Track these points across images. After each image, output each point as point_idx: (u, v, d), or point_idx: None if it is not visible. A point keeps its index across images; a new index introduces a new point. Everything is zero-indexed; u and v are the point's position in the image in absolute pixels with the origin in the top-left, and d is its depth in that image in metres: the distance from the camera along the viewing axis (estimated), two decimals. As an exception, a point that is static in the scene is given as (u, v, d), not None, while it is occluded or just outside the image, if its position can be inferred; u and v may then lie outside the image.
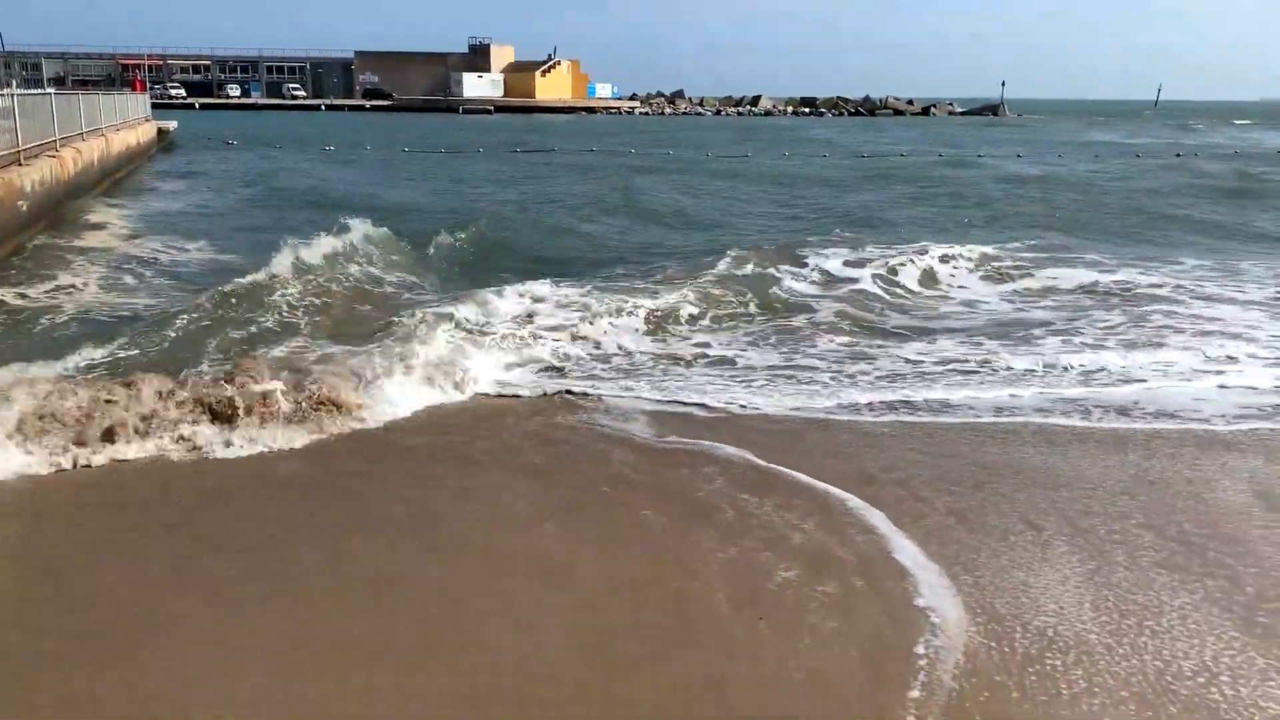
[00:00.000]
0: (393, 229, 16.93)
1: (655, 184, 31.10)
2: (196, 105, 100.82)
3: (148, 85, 70.60)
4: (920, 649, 5.17)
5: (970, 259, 16.70)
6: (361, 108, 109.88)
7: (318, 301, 12.05)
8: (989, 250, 17.51)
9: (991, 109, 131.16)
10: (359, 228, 15.73)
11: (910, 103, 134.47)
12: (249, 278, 12.39)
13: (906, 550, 6.26)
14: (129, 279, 14.38)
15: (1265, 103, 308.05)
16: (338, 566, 5.94)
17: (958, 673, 4.98)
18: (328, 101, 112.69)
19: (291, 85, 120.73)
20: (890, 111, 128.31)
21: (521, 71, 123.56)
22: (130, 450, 7.38)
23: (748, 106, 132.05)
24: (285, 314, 11.41)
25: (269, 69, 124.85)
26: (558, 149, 50.56)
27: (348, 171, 35.58)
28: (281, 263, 12.93)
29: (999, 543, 6.40)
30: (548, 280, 13.72)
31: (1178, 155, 49.36)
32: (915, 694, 4.82)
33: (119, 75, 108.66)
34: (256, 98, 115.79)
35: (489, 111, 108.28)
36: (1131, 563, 6.19)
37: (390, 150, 47.68)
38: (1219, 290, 14.79)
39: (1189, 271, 16.47)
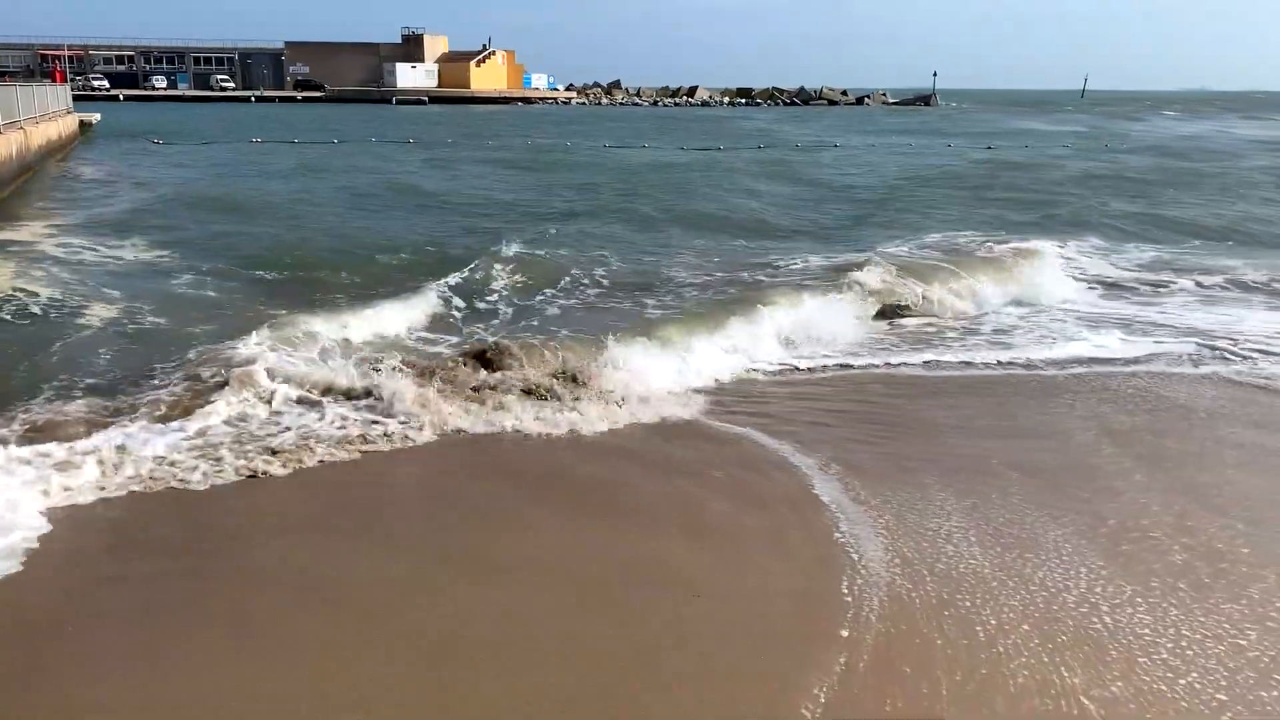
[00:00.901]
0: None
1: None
2: (120, 97, 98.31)
3: (68, 77, 68.61)
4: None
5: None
6: (293, 99, 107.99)
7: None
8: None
9: (924, 99, 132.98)
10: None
11: (845, 93, 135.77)
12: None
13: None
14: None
15: (1186, 93, 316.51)
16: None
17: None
18: (258, 93, 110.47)
19: (220, 76, 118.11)
20: (825, 102, 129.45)
21: (456, 62, 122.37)
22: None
23: (685, 97, 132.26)
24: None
25: (196, 60, 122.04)
26: (493, 139, 50.32)
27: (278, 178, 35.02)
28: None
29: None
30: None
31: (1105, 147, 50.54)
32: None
33: (38, 66, 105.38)
34: (184, 89, 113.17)
35: (423, 102, 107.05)
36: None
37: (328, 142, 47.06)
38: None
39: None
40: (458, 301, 13.33)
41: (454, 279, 14.44)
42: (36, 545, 6.11)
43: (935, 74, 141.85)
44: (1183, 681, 4.93)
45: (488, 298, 13.76)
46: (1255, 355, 11.06)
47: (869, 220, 22.06)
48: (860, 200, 25.79)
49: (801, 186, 29.03)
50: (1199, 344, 11.54)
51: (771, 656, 5.10)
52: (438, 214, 22.03)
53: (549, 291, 14.13)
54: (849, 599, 5.67)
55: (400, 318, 11.79)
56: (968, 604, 5.64)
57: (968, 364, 10.82)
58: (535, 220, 21.00)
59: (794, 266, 15.84)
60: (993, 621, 5.44)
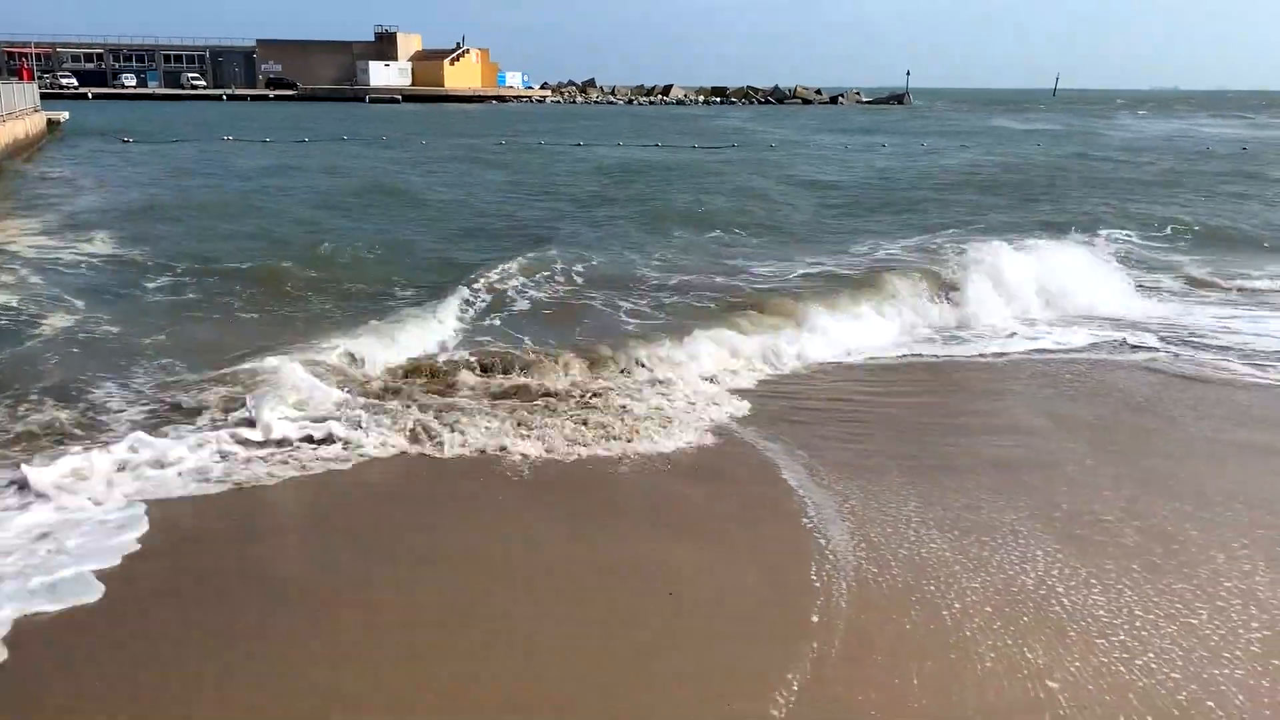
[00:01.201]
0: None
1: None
2: (89, 95, 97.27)
3: (36, 75, 67.72)
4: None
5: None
6: (265, 98, 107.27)
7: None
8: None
9: (897, 98, 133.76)
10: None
11: (819, 92, 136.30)
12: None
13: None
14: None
15: (1156, 91, 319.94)
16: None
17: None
18: (229, 91, 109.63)
19: (191, 75, 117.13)
20: (799, 100, 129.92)
21: (430, 60, 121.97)
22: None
23: (659, 96, 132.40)
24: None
25: (167, 58, 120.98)
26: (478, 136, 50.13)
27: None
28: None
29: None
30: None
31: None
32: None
33: (5, 64, 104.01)
34: (154, 87, 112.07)
35: (397, 101, 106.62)
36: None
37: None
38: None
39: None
40: (464, 314, 12.45)
41: (468, 289, 13.52)
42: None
43: (909, 73, 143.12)
44: (1139, 661, 5.03)
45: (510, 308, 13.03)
46: (1193, 347, 11.31)
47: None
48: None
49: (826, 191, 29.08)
50: (1159, 337, 11.77)
51: (745, 644, 5.17)
52: (420, 215, 21.90)
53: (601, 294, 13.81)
54: (818, 584, 5.75)
55: (425, 335, 10.94)
56: (933, 589, 5.73)
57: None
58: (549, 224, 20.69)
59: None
60: (957, 605, 5.53)
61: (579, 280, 14.56)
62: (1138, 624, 5.37)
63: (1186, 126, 72.91)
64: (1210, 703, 4.70)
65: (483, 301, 13.04)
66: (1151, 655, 5.07)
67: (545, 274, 14.66)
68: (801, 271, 15.36)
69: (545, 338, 11.17)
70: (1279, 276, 15.89)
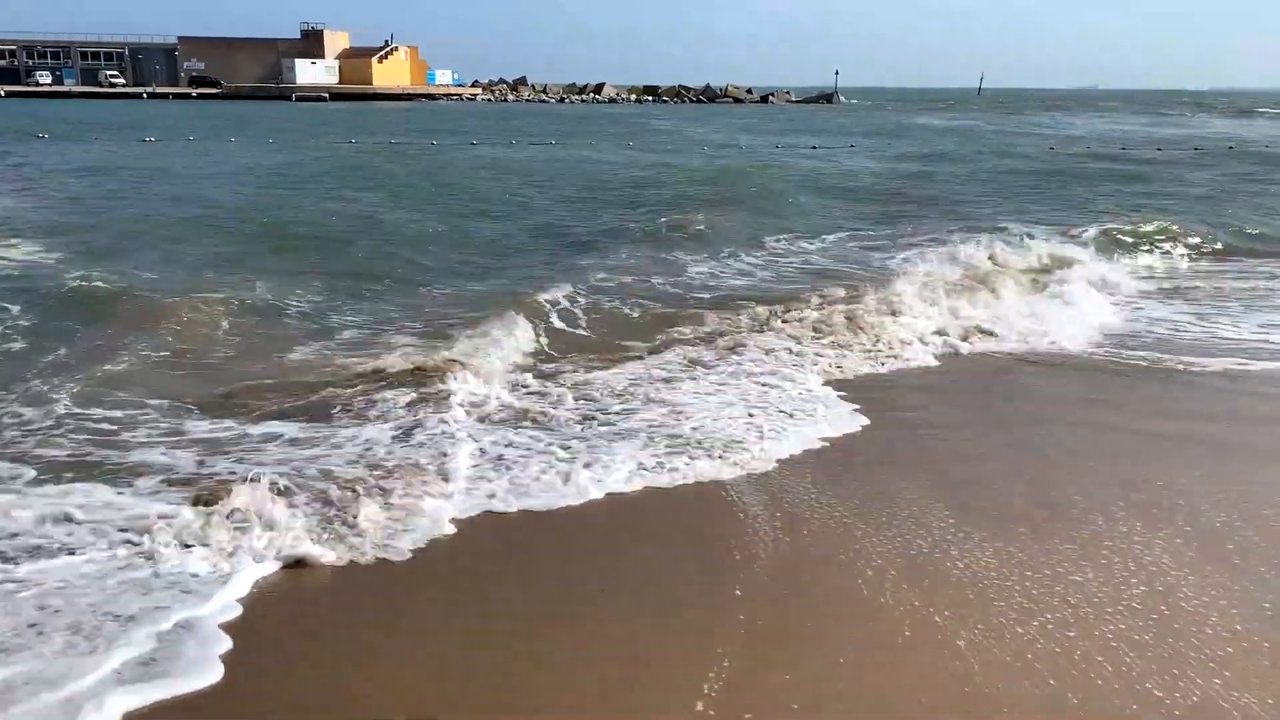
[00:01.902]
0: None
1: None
2: (2, 93, 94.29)
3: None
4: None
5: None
6: (188, 96, 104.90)
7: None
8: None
9: (826, 97, 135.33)
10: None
11: (749, 91, 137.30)
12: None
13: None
14: None
15: (1077, 91, 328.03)
16: None
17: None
18: (150, 89, 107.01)
19: (109, 72, 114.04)
20: (730, 100, 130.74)
21: (357, 58, 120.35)
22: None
23: (591, 94, 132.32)
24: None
25: (84, 54, 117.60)
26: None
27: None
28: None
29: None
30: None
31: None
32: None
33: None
34: (70, 85, 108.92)
35: (324, 99, 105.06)
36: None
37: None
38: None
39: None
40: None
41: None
42: None
43: (837, 72, 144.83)
44: (1035, 621, 5.14)
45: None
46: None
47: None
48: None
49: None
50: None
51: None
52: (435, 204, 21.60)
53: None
54: (739, 559, 5.80)
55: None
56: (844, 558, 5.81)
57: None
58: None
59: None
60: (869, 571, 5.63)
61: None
62: (1028, 584, 5.52)
63: (1108, 125, 74.88)
64: (1100, 658, 4.81)
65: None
66: (1047, 615, 5.19)
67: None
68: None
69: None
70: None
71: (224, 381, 9.05)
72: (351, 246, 16.64)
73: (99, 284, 12.57)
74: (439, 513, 6.26)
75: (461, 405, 8.19)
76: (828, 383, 9.33)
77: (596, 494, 6.71)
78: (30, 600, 5.07)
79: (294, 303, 12.38)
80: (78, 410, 8.05)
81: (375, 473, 6.77)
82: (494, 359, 9.52)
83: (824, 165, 35.24)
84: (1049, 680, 4.64)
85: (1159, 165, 36.41)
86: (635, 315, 12.12)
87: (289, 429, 7.69)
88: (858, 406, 8.62)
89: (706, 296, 13.15)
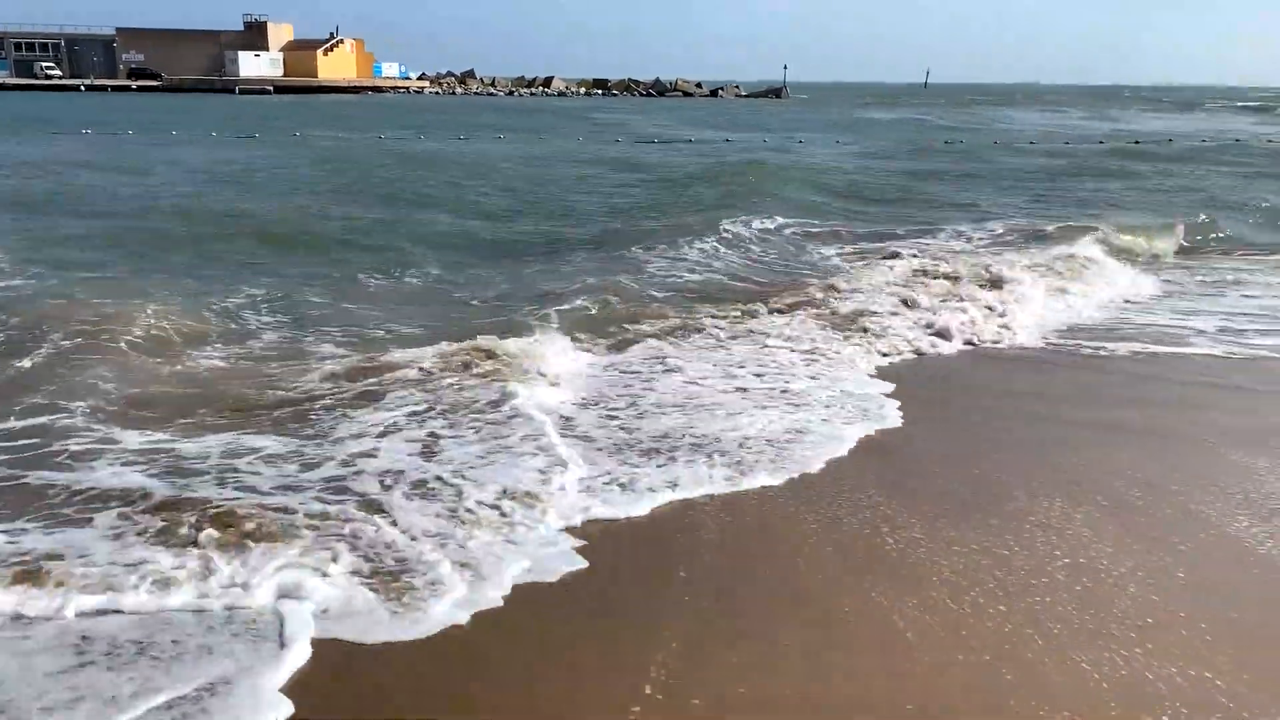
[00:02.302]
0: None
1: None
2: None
3: None
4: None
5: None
6: (127, 88, 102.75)
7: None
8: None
9: (775, 92, 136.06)
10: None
11: (699, 85, 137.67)
12: None
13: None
14: None
15: (1020, 85, 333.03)
16: None
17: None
18: (88, 82, 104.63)
19: (45, 64, 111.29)
20: (680, 94, 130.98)
21: (302, 50, 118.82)
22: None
23: (540, 87, 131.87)
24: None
25: (18, 45, 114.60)
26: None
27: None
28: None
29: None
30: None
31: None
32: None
33: None
34: (4, 77, 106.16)
35: (268, 92, 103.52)
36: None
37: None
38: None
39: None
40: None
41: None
42: None
43: (786, 67, 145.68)
44: (968, 597, 5.23)
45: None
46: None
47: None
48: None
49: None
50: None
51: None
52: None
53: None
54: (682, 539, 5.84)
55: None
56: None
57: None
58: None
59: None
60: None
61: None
62: (955, 559, 5.63)
63: (1051, 119, 76.05)
64: (1030, 630, 4.91)
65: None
66: (977, 591, 5.28)
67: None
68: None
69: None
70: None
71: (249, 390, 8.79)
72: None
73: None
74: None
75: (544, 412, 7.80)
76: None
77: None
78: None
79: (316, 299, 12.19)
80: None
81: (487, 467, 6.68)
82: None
83: (792, 159, 35.45)
84: (984, 656, 4.71)
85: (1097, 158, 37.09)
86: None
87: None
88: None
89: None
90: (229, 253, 15.20)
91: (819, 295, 12.25)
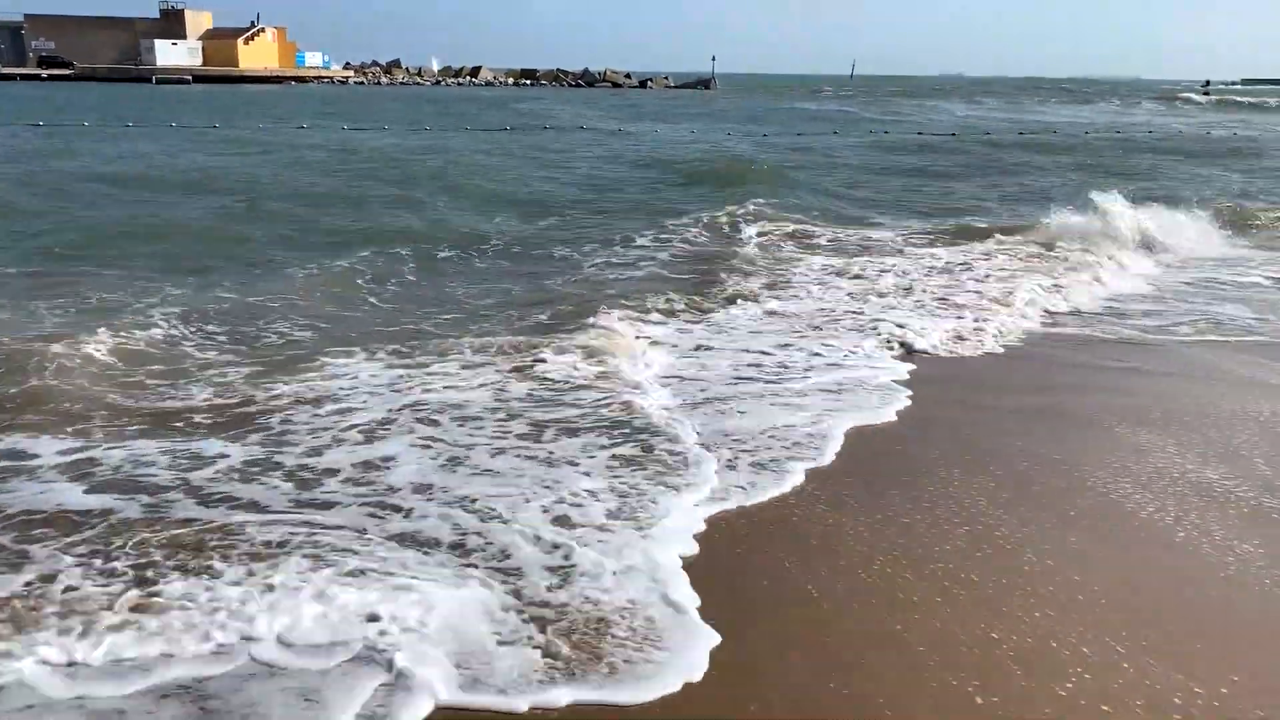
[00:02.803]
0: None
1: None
2: None
3: None
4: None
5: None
6: (37, 77, 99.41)
7: None
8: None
9: (703, 83, 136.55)
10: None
11: (628, 76, 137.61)
12: None
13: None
14: None
15: (944, 78, 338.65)
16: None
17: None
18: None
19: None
20: (609, 85, 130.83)
21: (222, 39, 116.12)
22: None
23: (468, 77, 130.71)
24: None
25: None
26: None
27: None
28: None
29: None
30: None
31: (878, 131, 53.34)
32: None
33: None
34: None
35: (187, 82, 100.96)
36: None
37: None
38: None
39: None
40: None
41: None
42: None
43: (714, 58, 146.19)
44: (875, 565, 5.42)
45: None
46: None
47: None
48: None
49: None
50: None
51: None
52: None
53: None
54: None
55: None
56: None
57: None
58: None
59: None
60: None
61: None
62: (863, 530, 5.84)
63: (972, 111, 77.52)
64: (939, 599, 5.12)
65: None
66: (882, 559, 5.48)
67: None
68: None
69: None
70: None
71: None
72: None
73: None
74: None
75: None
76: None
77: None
78: None
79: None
80: None
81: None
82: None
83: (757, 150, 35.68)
84: (895, 626, 4.87)
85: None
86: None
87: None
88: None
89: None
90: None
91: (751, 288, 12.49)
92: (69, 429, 7.06)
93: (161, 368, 8.71)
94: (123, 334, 9.45)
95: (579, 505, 5.96)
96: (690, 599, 4.99)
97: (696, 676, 4.43)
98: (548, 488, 6.20)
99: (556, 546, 5.45)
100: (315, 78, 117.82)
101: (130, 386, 8.11)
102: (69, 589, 4.89)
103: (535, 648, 4.56)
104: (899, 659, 4.58)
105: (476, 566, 5.24)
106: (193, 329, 10.03)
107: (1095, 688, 4.35)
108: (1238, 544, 5.67)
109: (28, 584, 4.93)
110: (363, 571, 5.12)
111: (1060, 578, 5.28)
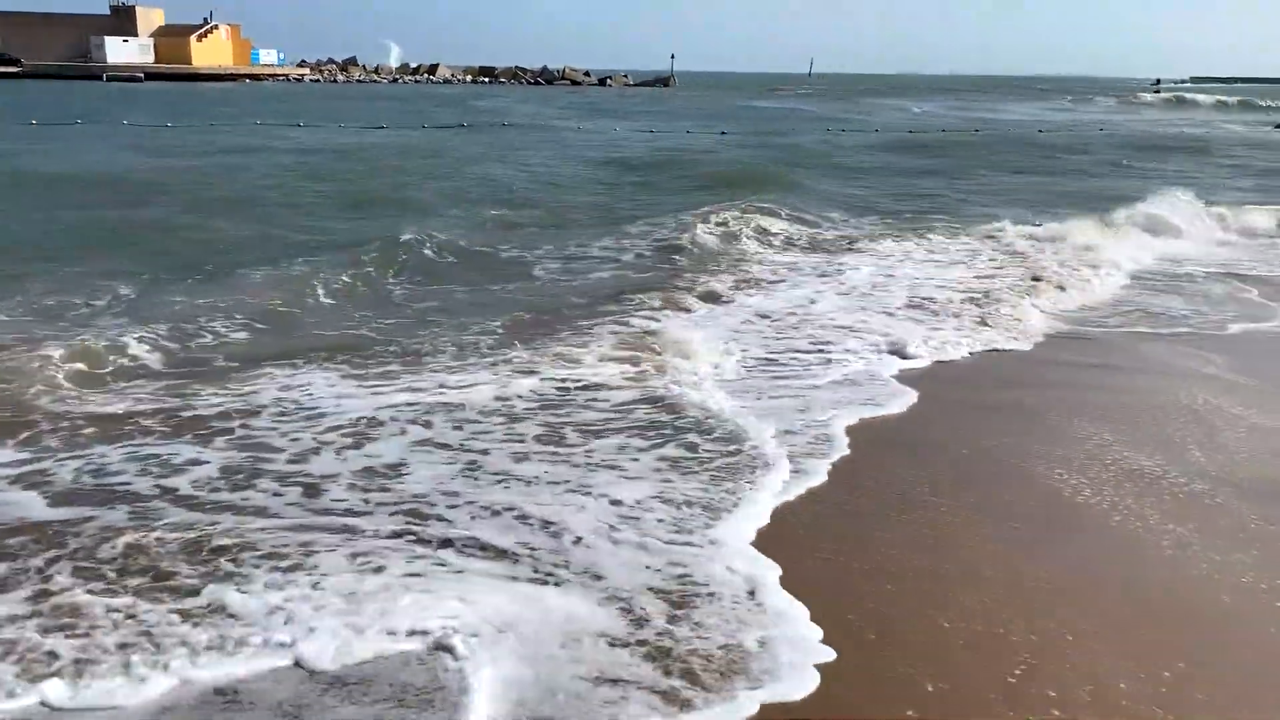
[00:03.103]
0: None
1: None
2: None
3: None
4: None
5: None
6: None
7: None
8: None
9: (663, 81, 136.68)
10: None
11: (587, 74, 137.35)
12: None
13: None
14: None
15: (900, 76, 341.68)
16: None
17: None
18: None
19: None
20: (568, 82, 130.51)
21: (174, 36, 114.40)
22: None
23: (425, 75, 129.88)
24: None
25: None
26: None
27: None
28: None
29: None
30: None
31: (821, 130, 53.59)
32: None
33: None
34: None
35: (139, 79, 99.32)
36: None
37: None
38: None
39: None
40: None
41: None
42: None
43: (673, 56, 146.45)
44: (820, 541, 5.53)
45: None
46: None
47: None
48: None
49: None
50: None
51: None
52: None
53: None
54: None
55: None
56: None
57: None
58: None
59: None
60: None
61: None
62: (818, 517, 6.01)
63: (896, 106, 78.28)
64: (871, 567, 5.23)
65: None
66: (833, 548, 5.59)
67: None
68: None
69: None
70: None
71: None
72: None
73: None
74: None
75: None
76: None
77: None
78: None
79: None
80: None
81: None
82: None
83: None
84: (848, 615, 4.93)
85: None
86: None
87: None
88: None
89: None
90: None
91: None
92: (21, 436, 6.95)
93: (109, 372, 8.58)
94: (71, 342, 9.23)
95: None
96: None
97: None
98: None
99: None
100: (270, 76, 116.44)
101: (77, 392, 7.97)
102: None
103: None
104: (855, 647, 4.66)
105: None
106: (142, 333, 9.79)
107: (1044, 674, 4.43)
108: (1175, 527, 5.83)
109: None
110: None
111: (1005, 564, 5.39)
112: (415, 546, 5.37)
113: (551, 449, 6.84)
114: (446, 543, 5.41)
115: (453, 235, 15.78)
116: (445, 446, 6.86)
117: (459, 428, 7.20)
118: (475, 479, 6.33)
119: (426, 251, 14.51)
